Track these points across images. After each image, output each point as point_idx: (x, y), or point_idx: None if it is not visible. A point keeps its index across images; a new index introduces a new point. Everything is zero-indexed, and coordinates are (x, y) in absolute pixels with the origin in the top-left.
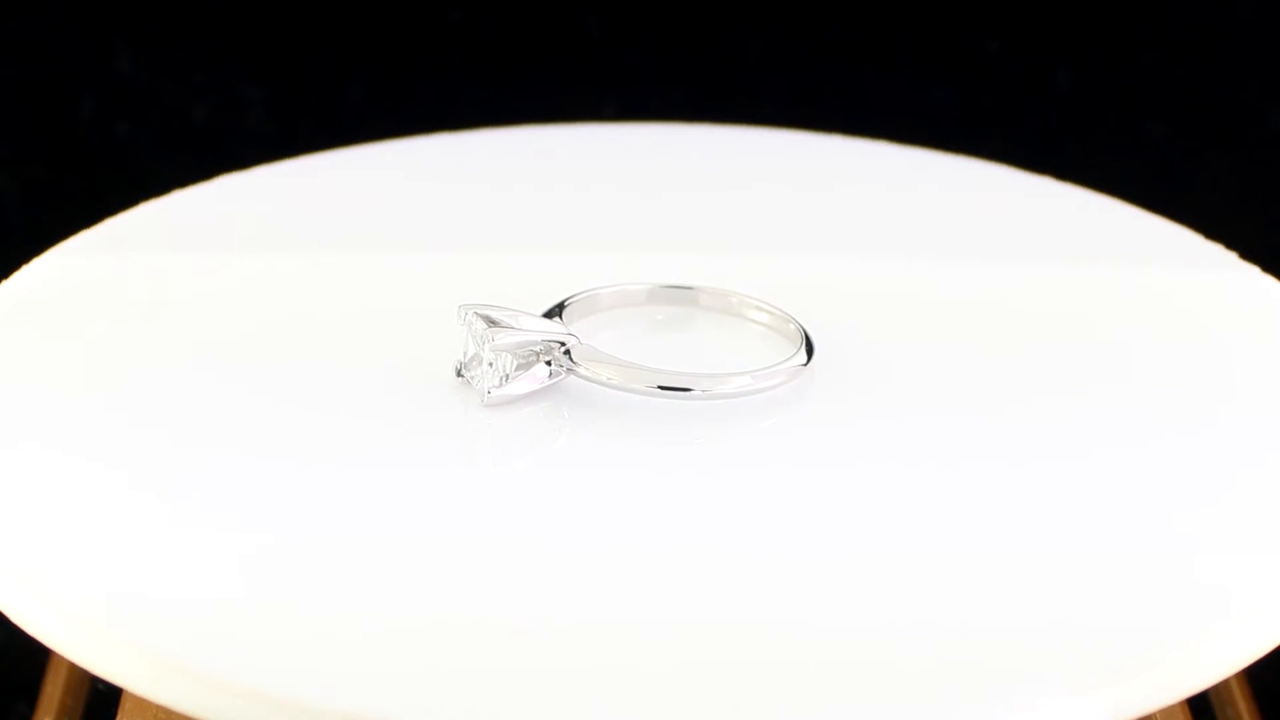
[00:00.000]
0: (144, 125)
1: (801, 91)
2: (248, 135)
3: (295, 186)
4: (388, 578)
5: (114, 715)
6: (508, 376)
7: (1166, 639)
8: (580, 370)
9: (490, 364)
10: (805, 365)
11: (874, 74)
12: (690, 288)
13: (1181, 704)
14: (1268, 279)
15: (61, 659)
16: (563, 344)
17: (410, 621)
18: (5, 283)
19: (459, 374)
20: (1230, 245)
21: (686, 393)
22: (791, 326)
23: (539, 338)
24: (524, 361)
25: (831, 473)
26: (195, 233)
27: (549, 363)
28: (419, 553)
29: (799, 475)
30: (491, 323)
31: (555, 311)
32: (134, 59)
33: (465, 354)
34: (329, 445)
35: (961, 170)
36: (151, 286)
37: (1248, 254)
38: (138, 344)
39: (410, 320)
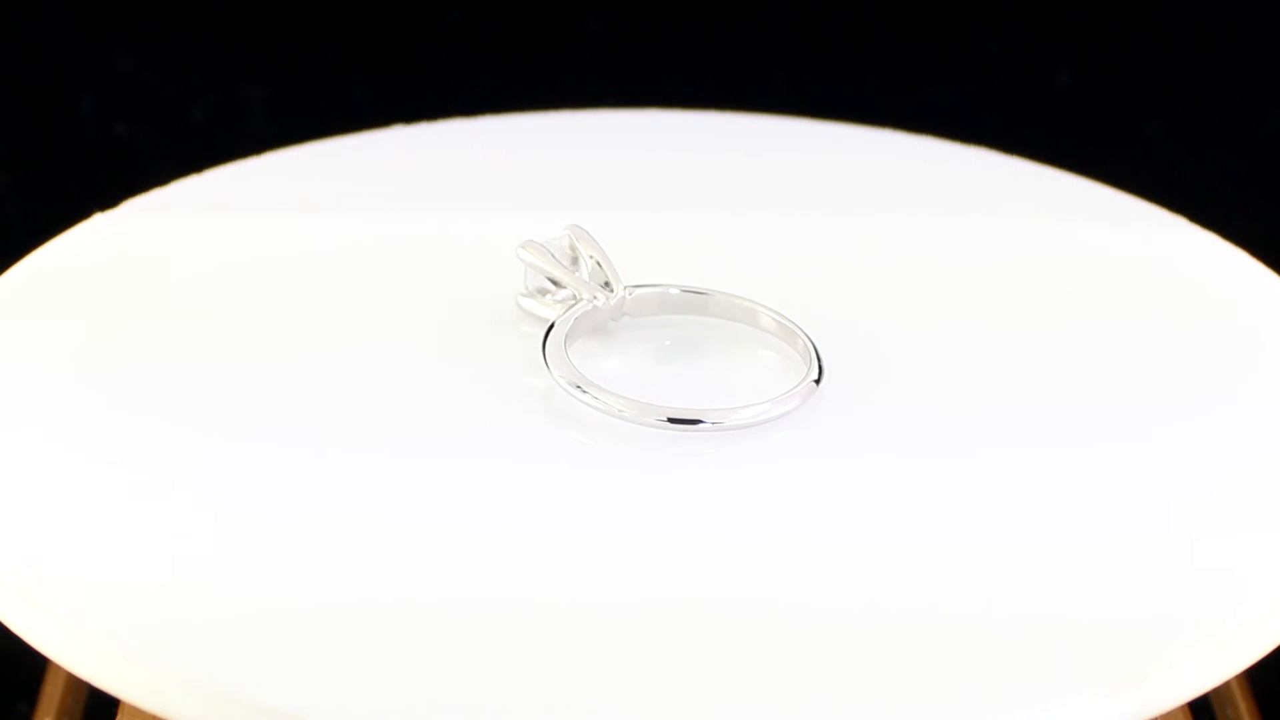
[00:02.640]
0: (144, 125)
1: (801, 91)
2: (248, 135)
3: (307, 172)
4: (396, 580)
5: (114, 715)
6: (541, 292)
7: (1170, 641)
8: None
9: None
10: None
11: (874, 73)
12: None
13: (1183, 704)
14: (1261, 267)
15: None
16: (594, 298)
17: (417, 627)
18: (8, 272)
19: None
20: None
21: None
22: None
23: (552, 273)
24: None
25: (840, 473)
26: (214, 214)
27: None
28: (412, 551)
29: (809, 476)
30: (571, 248)
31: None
32: (134, 59)
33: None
34: (338, 434)
35: (959, 158)
36: (149, 273)
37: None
38: (136, 333)
39: (421, 307)
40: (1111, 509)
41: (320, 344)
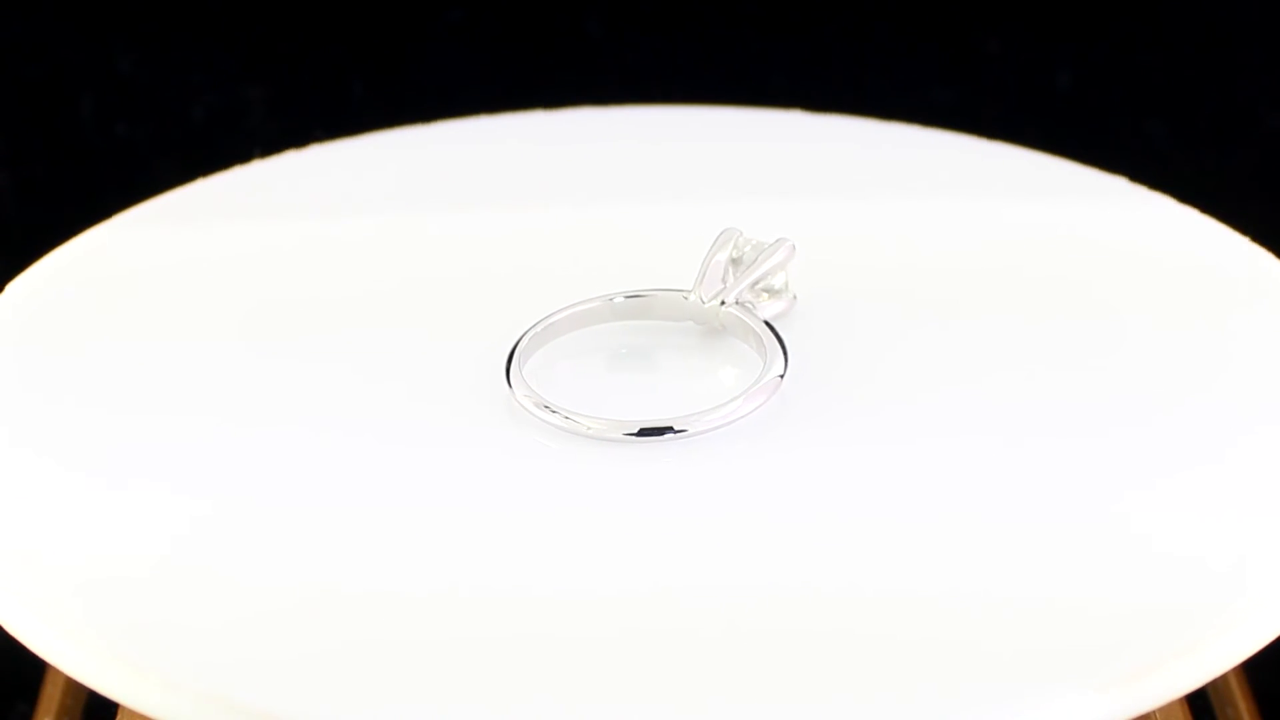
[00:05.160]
0: (144, 125)
1: (801, 92)
2: (248, 135)
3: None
4: (395, 581)
5: (114, 716)
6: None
7: (1170, 633)
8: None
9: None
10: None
11: (874, 74)
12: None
13: (1181, 703)
14: (1267, 256)
15: None
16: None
17: (421, 627)
18: (17, 278)
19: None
20: None
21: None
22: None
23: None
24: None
25: (814, 467)
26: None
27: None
28: (408, 550)
29: (782, 471)
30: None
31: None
32: (134, 59)
33: None
34: (332, 436)
35: (934, 145)
36: (142, 279)
37: None
38: (132, 338)
39: (417, 309)
40: (1109, 500)
41: (318, 345)
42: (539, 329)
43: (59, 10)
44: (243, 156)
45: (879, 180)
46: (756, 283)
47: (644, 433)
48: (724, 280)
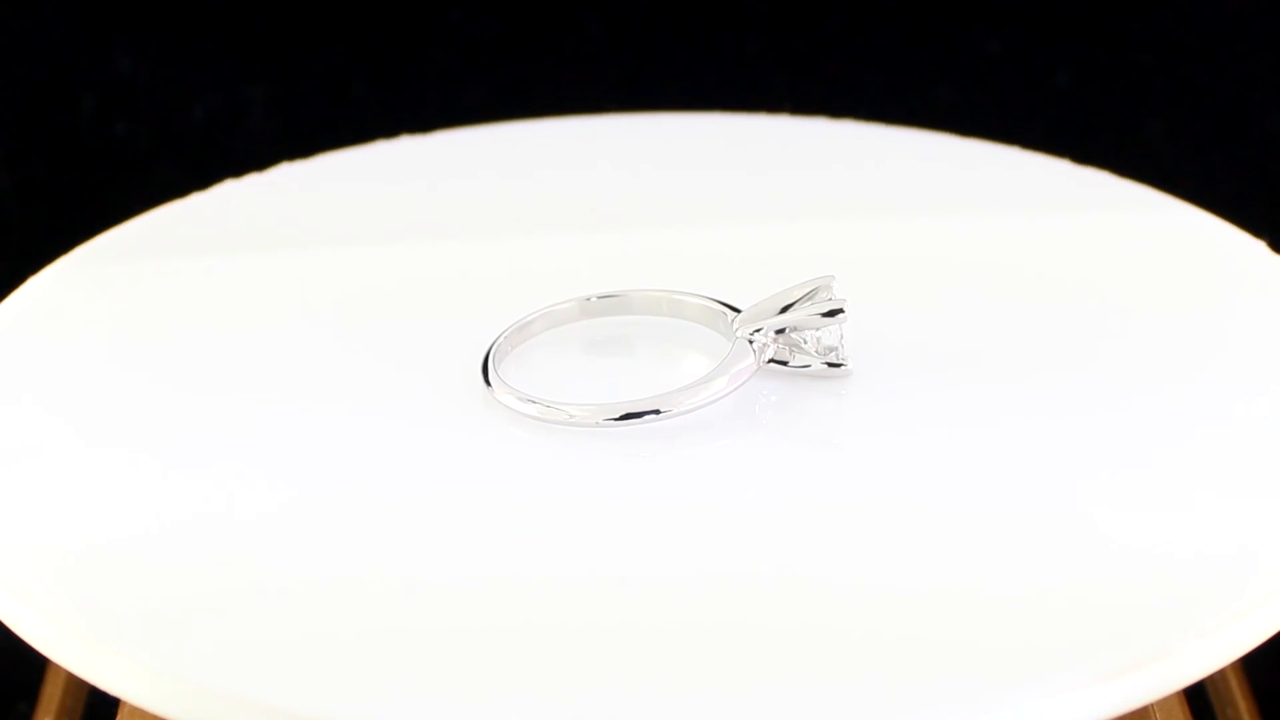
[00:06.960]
0: (144, 125)
1: (801, 92)
2: (248, 135)
3: (311, 186)
4: (396, 576)
5: (114, 715)
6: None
7: (1170, 627)
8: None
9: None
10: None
11: (874, 74)
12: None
13: (1181, 701)
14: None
15: None
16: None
17: (421, 621)
18: (23, 286)
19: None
20: None
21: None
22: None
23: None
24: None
25: (811, 449)
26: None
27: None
28: (404, 543)
29: (775, 453)
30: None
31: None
32: (134, 59)
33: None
34: (329, 437)
35: (914, 143)
36: (158, 294)
37: None
38: (135, 341)
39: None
40: (1109, 493)
41: (317, 346)
42: (514, 329)
43: (59, 10)
44: (242, 156)
45: (877, 181)
46: (793, 332)
47: (629, 416)
48: (774, 316)
